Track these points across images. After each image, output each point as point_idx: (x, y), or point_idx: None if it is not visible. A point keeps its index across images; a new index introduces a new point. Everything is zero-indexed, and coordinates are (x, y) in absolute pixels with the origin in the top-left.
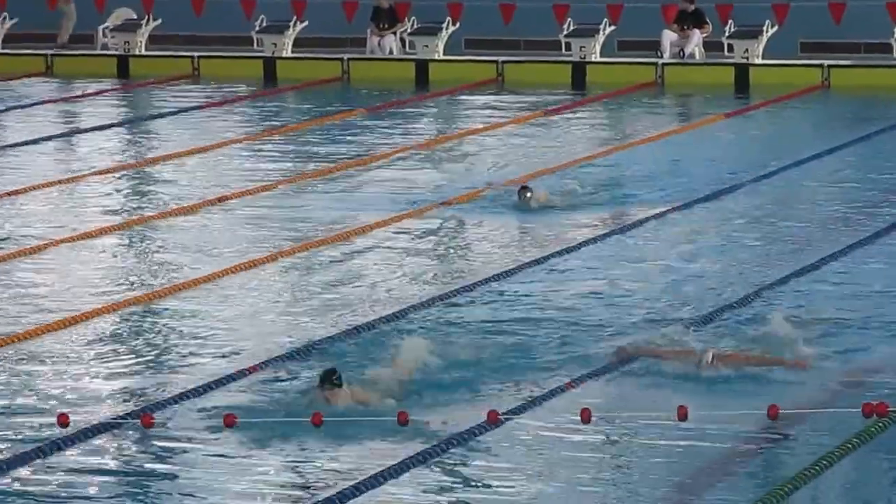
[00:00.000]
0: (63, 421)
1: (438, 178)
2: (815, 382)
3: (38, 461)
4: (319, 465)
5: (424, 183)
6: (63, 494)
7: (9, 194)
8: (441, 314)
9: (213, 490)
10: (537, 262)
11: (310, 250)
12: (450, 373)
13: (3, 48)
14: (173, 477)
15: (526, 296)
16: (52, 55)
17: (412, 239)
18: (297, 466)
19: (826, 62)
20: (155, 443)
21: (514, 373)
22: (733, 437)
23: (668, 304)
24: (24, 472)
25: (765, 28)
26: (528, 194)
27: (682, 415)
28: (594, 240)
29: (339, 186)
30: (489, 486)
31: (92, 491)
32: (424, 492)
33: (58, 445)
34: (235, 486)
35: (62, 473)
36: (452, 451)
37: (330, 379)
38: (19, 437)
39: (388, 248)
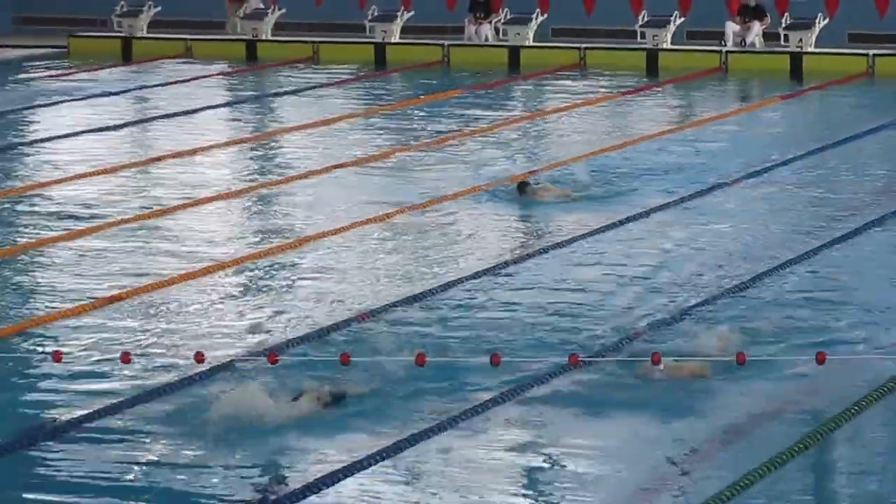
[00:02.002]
0: (199, 358)
1: (523, 152)
2: None
3: (175, 393)
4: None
5: (511, 156)
6: (197, 422)
7: (156, 159)
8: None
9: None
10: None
11: (411, 213)
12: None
13: (148, 32)
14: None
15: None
16: (191, 39)
17: (495, 206)
18: None
19: (871, 51)
20: (273, 377)
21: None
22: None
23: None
24: (164, 404)
25: (817, 20)
26: (528, 188)
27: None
28: (660, 208)
29: (439, 157)
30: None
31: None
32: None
33: (194, 379)
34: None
35: (199, 403)
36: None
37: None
38: (163, 371)
39: (480, 213)
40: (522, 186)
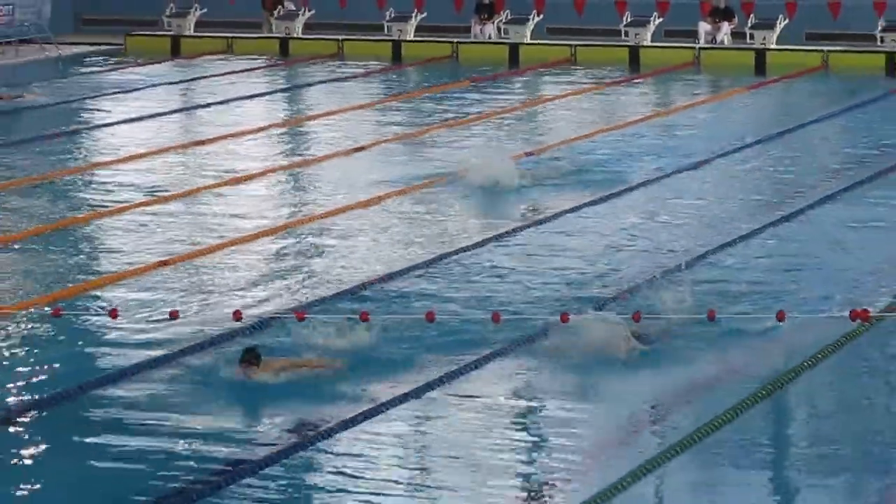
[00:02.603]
0: (237, 316)
1: (522, 135)
2: None
3: (216, 346)
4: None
5: (509, 138)
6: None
7: (200, 143)
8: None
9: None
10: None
11: (424, 187)
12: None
13: (194, 31)
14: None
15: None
16: (232, 38)
17: (497, 181)
18: None
19: (825, 48)
20: (309, 330)
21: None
22: None
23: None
24: (206, 357)
25: (778, 21)
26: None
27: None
28: (644, 184)
29: (449, 139)
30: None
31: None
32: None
33: (233, 335)
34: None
35: (237, 355)
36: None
37: (248, 356)
38: (203, 328)
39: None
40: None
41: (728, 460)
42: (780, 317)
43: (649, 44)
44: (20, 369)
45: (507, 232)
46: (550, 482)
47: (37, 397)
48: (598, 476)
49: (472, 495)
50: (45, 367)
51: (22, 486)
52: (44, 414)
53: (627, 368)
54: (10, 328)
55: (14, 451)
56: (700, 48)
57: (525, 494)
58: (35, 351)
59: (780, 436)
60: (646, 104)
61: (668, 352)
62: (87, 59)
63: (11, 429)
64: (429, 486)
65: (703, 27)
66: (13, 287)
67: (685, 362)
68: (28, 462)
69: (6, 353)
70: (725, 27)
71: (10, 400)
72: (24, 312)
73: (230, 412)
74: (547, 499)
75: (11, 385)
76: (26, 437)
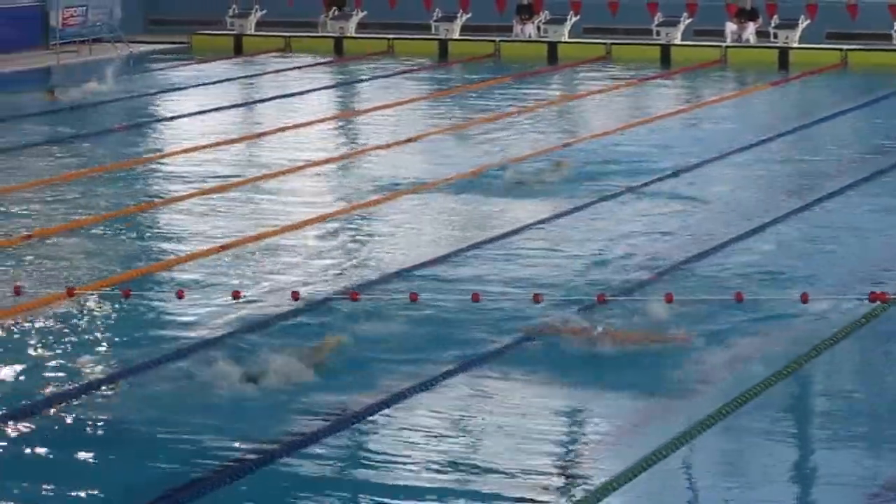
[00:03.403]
0: (295, 296)
1: (559, 128)
2: None
3: (275, 324)
4: None
5: (549, 131)
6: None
7: (260, 134)
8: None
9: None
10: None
11: (470, 176)
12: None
13: (255, 31)
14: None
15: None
16: (290, 36)
17: (537, 170)
18: None
19: (844, 47)
20: (361, 309)
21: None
22: None
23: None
24: (267, 335)
25: (800, 21)
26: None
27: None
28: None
29: (492, 130)
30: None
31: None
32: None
33: (294, 314)
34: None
35: (295, 332)
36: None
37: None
38: (263, 307)
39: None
40: None
41: (755, 436)
42: (804, 299)
43: (679, 42)
44: (93, 348)
45: (547, 218)
46: (585, 453)
47: (109, 372)
48: (631, 450)
49: (515, 472)
50: (116, 345)
51: (95, 457)
52: (117, 387)
53: (664, 349)
54: (82, 308)
55: (92, 420)
56: (727, 46)
57: (563, 465)
58: (106, 330)
59: (803, 410)
60: (676, 99)
61: (705, 334)
62: (156, 56)
63: (87, 400)
64: (475, 465)
65: (730, 27)
66: (86, 269)
67: (717, 342)
68: (102, 434)
69: (79, 332)
70: (751, 27)
71: (87, 374)
72: (95, 293)
73: (291, 387)
74: (582, 466)
75: (86, 361)
76: (102, 409)
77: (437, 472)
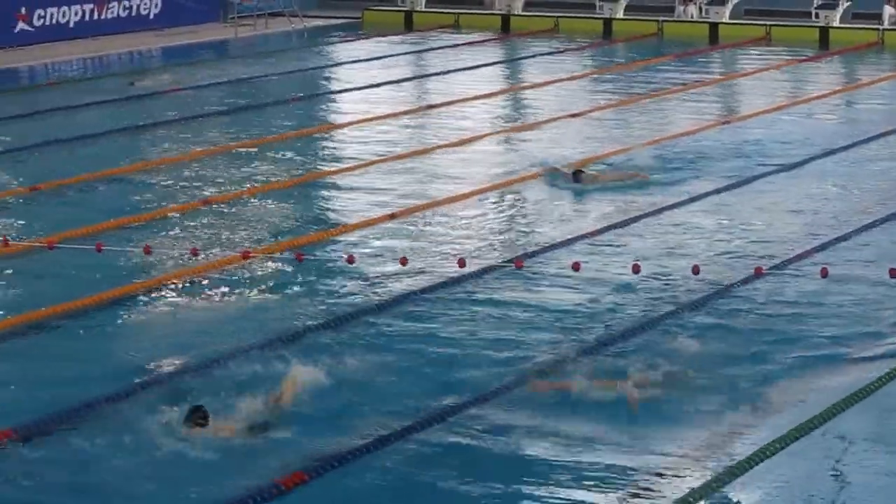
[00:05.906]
0: (461, 264)
1: (718, 105)
2: None
3: (441, 291)
4: None
5: (706, 109)
6: (456, 314)
7: (429, 107)
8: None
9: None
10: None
11: (634, 150)
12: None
13: (426, 7)
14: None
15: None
16: (459, 13)
17: (697, 145)
18: None
19: None
20: (523, 279)
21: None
22: None
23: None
24: (434, 305)
25: None
26: (582, 175)
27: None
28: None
29: (652, 107)
30: None
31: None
32: None
33: (458, 280)
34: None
35: (460, 298)
36: None
37: (195, 417)
38: (432, 273)
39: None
40: (577, 175)
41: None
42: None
43: (838, 25)
44: (265, 309)
45: (704, 193)
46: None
47: (281, 335)
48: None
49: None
50: (288, 307)
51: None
52: (291, 344)
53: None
54: (257, 271)
55: (249, 381)
56: (884, 29)
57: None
58: (279, 292)
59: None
60: (834, 80)
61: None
62: (329, 31)
63: (263, 354)
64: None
65: (888, 10)
66: (262, 233)
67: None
68: (261, 382)
69: (253, 294)
70: None
71: (248, 335)
72: (270, 257)
73: (452, 342)
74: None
75: (253, 322)
76: (271, 362)
77: None
